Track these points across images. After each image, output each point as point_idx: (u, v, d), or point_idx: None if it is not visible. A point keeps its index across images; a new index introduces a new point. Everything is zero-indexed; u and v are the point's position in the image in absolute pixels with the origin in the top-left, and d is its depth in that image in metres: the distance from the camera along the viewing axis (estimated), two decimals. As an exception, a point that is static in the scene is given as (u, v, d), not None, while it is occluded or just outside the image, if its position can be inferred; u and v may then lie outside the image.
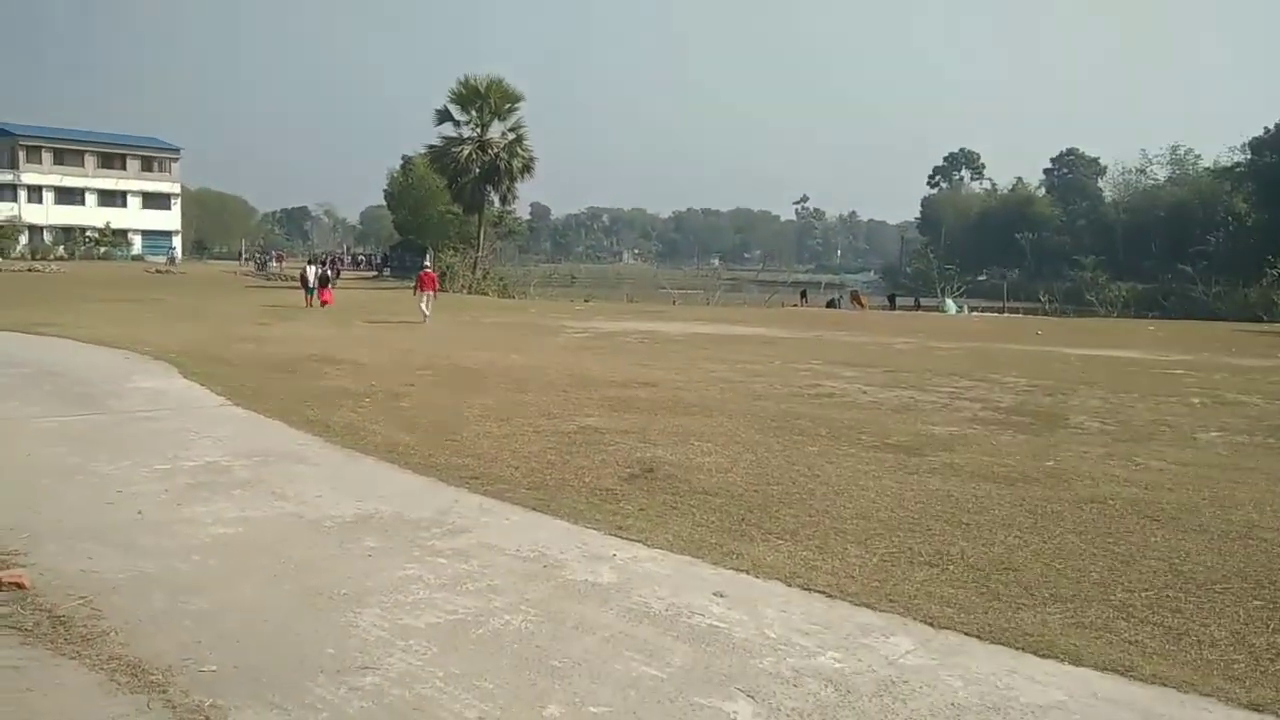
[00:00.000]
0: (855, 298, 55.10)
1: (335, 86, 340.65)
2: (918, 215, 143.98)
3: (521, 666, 4.71)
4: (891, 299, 55.96)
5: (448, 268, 52.74)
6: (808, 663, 4.84)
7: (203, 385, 13.52)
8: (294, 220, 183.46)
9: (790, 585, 5.93)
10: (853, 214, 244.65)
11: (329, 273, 39.82)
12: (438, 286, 32.01)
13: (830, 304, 52.78)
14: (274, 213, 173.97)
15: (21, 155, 78.46)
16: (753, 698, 4.47)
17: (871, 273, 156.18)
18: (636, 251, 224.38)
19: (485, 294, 50.98)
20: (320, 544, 6.58)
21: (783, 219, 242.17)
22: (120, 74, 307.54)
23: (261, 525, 7.00)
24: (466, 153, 53.29)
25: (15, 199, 77.52)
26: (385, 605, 5.44)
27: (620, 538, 6.83)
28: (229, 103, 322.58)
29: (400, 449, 9.61)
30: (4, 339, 19.28)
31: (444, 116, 54.46)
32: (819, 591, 5.83)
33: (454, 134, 54.71)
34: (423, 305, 28.72)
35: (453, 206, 60.48)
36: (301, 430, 10.53)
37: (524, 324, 29.10)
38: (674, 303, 54.18)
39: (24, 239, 75.34)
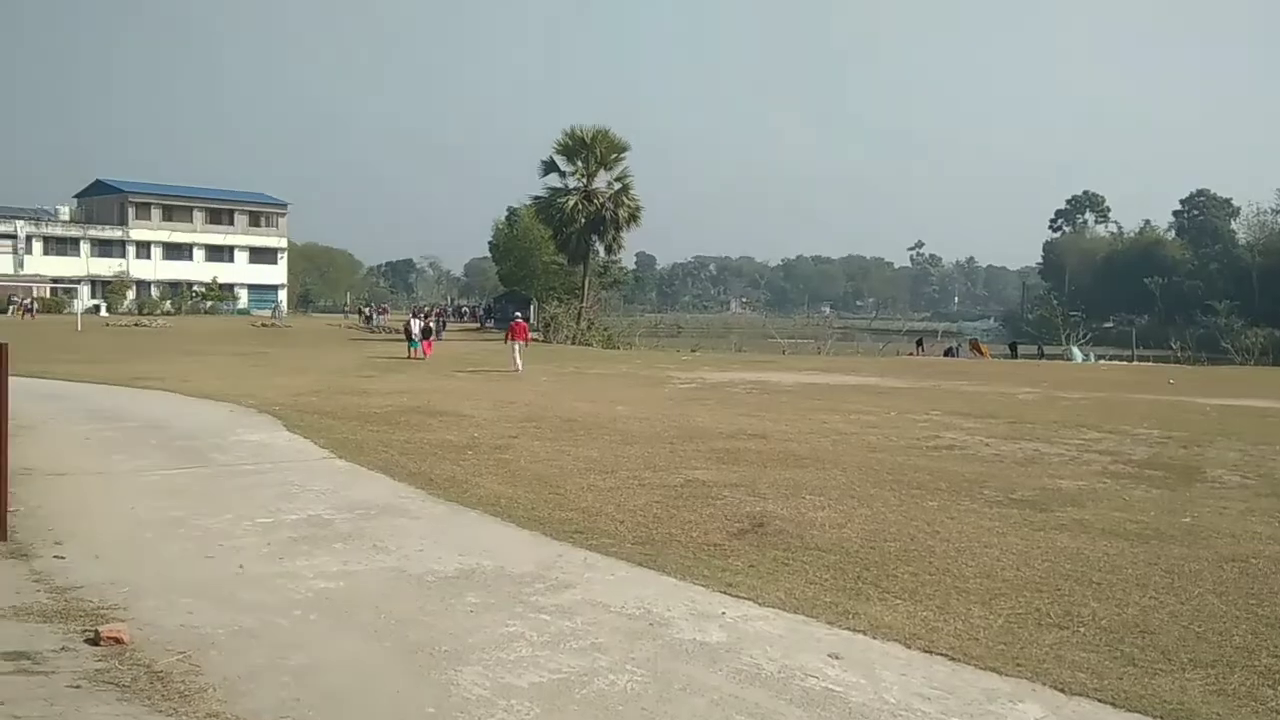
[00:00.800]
0: (975, 346, 53.69)
1: (441, 139, 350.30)
2: (1039, 260, 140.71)
3: (626, 731, 4.49)
4: (1013, 347, 54.69)
5: (552, 318, 53.33)
6: (930, 732, 4.54)
7: (306, 438, 13.71)
8: (399, 273, 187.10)
9: (910, 647, 5.66)
10: (970, 260, 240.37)
11: (433, 325, 40.53)
12: (528, 336, 32.49)
13: (948, 353, 51.62)
14: (379, 266, 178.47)
15: (131, 212, 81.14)
16: (871, 771, 4.18)
17: (991, 320, 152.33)
18: (744, 300, 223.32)
19: (589, 345, 51.38)
20: (422, 599, 6.49)
21: (896, 266, 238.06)
22: (229, 131, 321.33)
23: (363, 580, 6.94)
24: (572, 203, 54.05)
25: (124, 255, 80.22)
26: (487, 663, 5.30)
27: (729, 595, 6.61)
28: (338, 157, 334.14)
29: (503, 502, 9.55)
30: (111, 393, 20.03)
31: (549, 167, 55.52)
32: (941, 654, 5.54)
33: (559, 184, 55.75)
34: (515, 355, 29.27)
35: (557, 257, 61.03)
36: (404, 483, 10.57)
37: (629, 375, 29.05)
38: (784, 352, 53.70)
39: (131, 294, 77.90)
